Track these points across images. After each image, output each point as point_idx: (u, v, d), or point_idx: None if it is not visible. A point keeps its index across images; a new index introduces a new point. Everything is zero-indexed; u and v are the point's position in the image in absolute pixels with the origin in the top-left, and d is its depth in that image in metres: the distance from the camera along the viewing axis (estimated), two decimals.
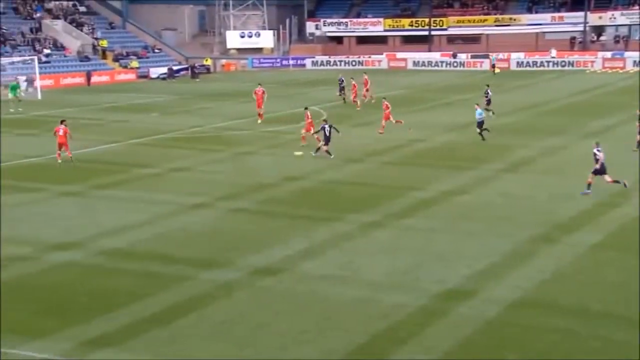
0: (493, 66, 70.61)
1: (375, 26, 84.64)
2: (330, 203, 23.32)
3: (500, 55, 75.17)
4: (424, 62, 77.63)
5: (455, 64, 76.44)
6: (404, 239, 19.70)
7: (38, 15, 69.87)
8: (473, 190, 24.55)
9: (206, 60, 75.72)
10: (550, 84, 59.71)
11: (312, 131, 31.81)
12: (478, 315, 14.53)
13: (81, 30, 70.42)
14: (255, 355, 13.11)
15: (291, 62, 79.42)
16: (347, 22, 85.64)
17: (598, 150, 23.25)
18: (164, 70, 69.04)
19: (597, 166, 23.08)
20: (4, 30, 64.17)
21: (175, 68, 70.53)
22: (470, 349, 13.27)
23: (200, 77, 68.83)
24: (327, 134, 29.60)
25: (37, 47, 64.10)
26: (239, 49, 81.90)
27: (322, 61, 79.30)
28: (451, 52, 78.89)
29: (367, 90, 47.42)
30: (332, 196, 24.30)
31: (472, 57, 76.23)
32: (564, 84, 58.70)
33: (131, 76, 67.42)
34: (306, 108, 33.25)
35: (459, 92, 53.41)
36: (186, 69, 72.12)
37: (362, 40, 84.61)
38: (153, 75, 68.24)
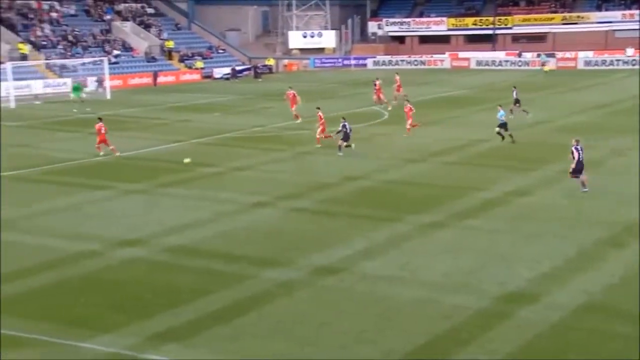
0: (543, 64, 69.98)
1: (438, 25, 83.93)
2: (390, 203, 23.26)
3: (567, 54, 73.54)
4: (487, 61, 76.59)
5: (520, 63, 75.15)
6: (465, 239, 19.51)
7: (108, 17, 71.72)
8: (537, 191, 24.14)
9: (268, 60, 76.38)
10: (622, 83, 58.11)
11: (325, 132, 32.07)
12: (541, 319, 14.30)
13: (149, 32, 71.97)
14: (315, 354, 13.20)
15: (352, 62, 79.42)
16: (409, 21, 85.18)
17: (576, 148, 23.16)
18: (228, 70, 69.93)
19: (573, 165, 23.13)
20: (76, 32, 66.07)
21: (238, 68, 71.36)
22: (533, 353, 13.08)
23: (263, 77, 69.46)
24: (348, 131, 30.18)
25: (107, 48, 65.80)
26: (301, 49, 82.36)
27: (383, 61, 79.06)
28: (517, 51, 77.55)
29: (398, 89, 47.10)
30: (392, 196, 24.23)
31: (538, 55, 74.77)
32: (635, 83, 57.07)
33: (196, 76, 68.52)
34: (318, 108, 33.30)
35: (523, 92, 52.44)
36: (249, 69, 72.89)
37: (425, 39, 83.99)
38: (217, 76, 69.20)
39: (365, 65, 78.54)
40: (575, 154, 23.15)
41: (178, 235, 19.98)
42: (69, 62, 59.53)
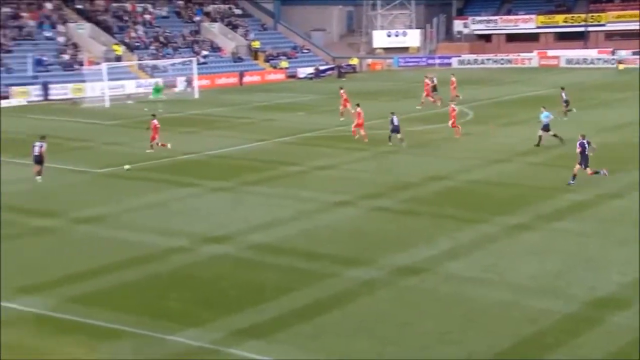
0: (619, 62, 67.84)
1: (526, 23, 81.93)
2: (475, 203, 22.93)
3: None
4: (578, 59, 74.29)
5: (613, 62, 72.57)
6: (552, 242, 19.05)
7: (198, 18, 73.43)
8: (628, 194, 23.31)
9: (352, 60, 76.47)
10: None
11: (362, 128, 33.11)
12: (634, 325, 13.81)
13: (236, 32, 73.27)
14: (398, 353, 13.15)
15: (437, 61, 78.58)
16: (497, 19, 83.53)
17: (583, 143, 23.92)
18: (311, 70, 70.40)
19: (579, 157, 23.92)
20: (167, 34, 67.96)
21: (321, 68, 71.73)
22: None
23: (346, 77, 69.57)
24: (396, 123, 31.55)
25: (196, 48, 67.37)
26: (385, 49, 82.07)
27: (469, 60, 77.89)
28: (610, 49, 74.86)
29: (453, 90, 46.13)
30: (477, 196, 23.88)
31: (635, 53, 71.95)
32: None
33: (280, 76, 69.28)
34: (357, 105, 34.50)
35: (615, 91, 50.79)
36: (332, 68, 73.15)
37: (512, 37, 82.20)
38: (301, 75, 69.77)
39: (449, 64, 77.56)
40: (579, 148, 23.94)
41: (262, 233, 20.27)
42: (160, 62, 61.26)
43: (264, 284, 16.47)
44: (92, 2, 67.76)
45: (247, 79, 65.75)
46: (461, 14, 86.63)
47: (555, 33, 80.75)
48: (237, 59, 69.36)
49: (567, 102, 39.10)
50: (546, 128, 31.15)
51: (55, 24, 61.86)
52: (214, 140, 34.95)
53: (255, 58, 71.69)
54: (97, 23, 64.66)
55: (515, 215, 21.36)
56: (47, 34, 60.44)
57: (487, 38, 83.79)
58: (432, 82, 46.52)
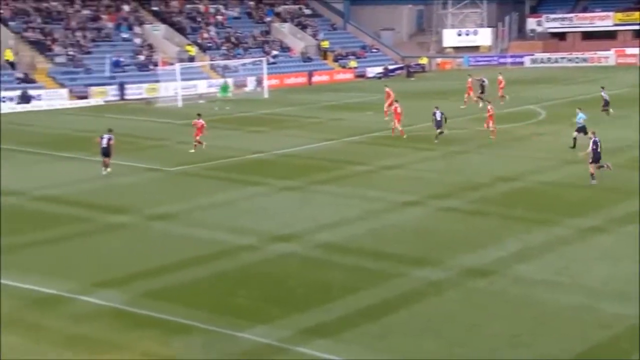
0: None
1: (603, 20, 79.57)
2: (546, 205, 22.50)
3: None
4: None
5: None
6: (626, 246, 18.55)
7: (268, 19, 74.25)
8: None
9: (422, 59, 75.92)
10: None
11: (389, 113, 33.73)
12: None
13: (305, 32, 73.74)
14: (465, 355, 13.06)
15: (509, 60, 77.24)
16: (572, 17, 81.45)
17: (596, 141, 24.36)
18: (380, 69, 70.22)
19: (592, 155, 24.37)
20: (238, 34, 68.97)
21: (390, 67, 71.46)
22: None
23: (415, 76, 69.14)
24: (439, 118, 32.04)
25: (266, 49, 68.14)
26: (455, 47, 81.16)
27: (542, 58, 76.28)
28: None
29: (501, 89, 45.05)
30: (548, 198, 23.43)
31: None
32: None
33: (349, 75, 69.34)
34: (397, 101, 35.32)
35: None
36: (401, 68, 72.80)
37: (588, 35, 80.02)
38: (369, 75, 69.68)
39: (522, 63, 76.14)
40: (592, 146, 24.35)
41: (329, 232, 20.38)
42: (230, 62, 62.19)
43: (331, 283, 16.56)
44: (167, 4, 69.31)
45: (315, 78, 66.08)
46: (535, 11, 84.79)
47: (635, 31, 78.20)
48: (306, 58, 69.79)
49: (607, 102, 37.97)
50: (582, 129, 30.12)
51: (132, 26, 63.56)
52: (283, 140, 35.29)
53: (324, 58, 71.97)
54: (172, 24, 66.12)
55: (588, 217, 20.89)
56: (124, 35, 62.15)
57: (561, 36, 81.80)
58: (483, 82, 45.66)
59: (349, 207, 22.91)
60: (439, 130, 32.20)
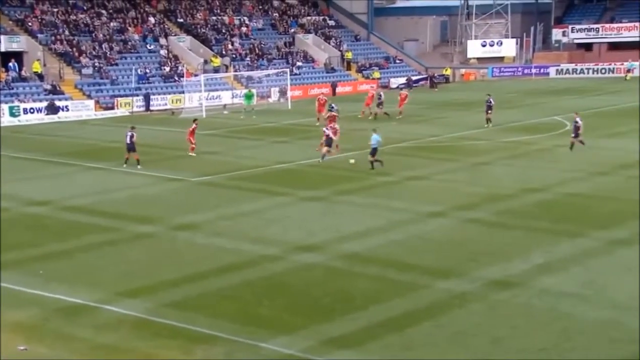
0: (628, 71, 67.26)
1: (630, 31, 78.82)
2: (573, 217, 22.27)
3: None
4: None
5: None
6: None
7: (292, 30, 74.53)
8: None
9: (445, 70, 75.74)
10: None
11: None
12: None
13: (328, 43, 73.91)
14: None
15: (533, 70, 76.80)
16: (598, 27, 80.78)
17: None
18: (404, 80, 70.15)
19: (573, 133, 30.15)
20: (262, 45, 69.30)
21: (414, 78, 71.36)
22: None
23: (439, 87, 68.95)
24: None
25: (290, 60, 68.37)
26: (479, 58, 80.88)
27: (567, 69, 75.73)
28: None
29: (401, 104, 44.81)
30: (575, 210, 23.19)
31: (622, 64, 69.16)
32: None
33: (372, 86, 69.31)
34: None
35: None
36: (425, 78, 72.66)
37: (614, 46, 79.30)
38: (393, 86, 69.62)
39: (547, 74, 75.65)
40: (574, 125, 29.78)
41: (353, 242, 20.32)
42: (254, 74, 62.46)
43: (355, 294, 16.49)
44: (193, 16, 69.86)
45: (339, 89, 66.15)
46: (560, 22, 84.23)
47: None
48: (330, 69, 69.92)
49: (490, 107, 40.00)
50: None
51: (157, 38, 64.16)
52: (307, 150, 35.30)
53: (348, 68, 72.04)
54: (196, 36, 66.64)
55: (615, 230, 20.63)
56: (150, 47, 62.75)
57: (587, 47, 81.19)
58: (379, 96, 45.52)
59: (373, 218, 22.84)
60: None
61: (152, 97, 55.65)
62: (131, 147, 30.95)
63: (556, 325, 14.57)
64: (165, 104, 55.87)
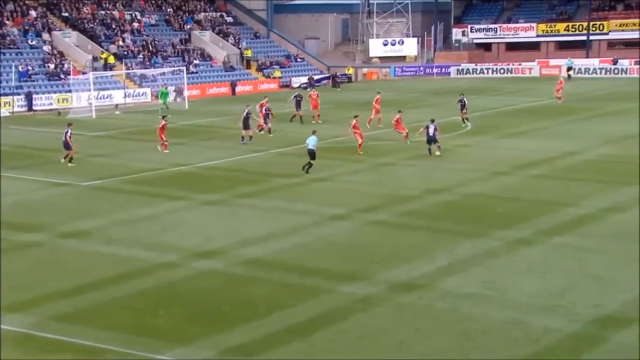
0: (569, 69, 69.39)
1: (527, 32, 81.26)
2: (474, 217, 22.40)
3: None
4: (580, 69, 73.54)
5: (616, 71, 72.01)
6: (554, 258, 18.55)
7: (188, 26, 72.75)
8: (632, 208, 22.78)
9: (348, 69, 76.02)
10: None
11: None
12: (638, 345, 13.30)
13: (227, 41, 72.65)
14: None
15: (435, 70, 78.22)
16: (496, 27, 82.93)
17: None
18: (305, 79, 69.90)
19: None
20: (156, 42, 67.26)
21: (316, 77, 71.17)
22: None
23: (341, 87, 69.09)
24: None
25: (186, 58, 66.71)
26: (381, 58, 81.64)
27: (467, 69, 77.46)
28: (611, 58, 74.30)
29: (313, 108, 45.17)
30: (476, 210, 23.35)
31: (636, 63, 71.58)
32: None
33: (273, 85, 68.71)
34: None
35: (618, 102, 50.35)
36: (327, 78, 72.67)
37: (512, 46, 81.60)
38: (294, 85, 69.22)
39: (448, 73, 77.17)
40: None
41: (255, 247, 19.72)
42: (148, 72, 60.50)
43: (257, 300, 15.96)
44: (79, 10, 66.97)
45: (239, 88, 65.19)
46: (459, 22, 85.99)
47: (557, 42, 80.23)
48: (228, 68, 68.77)
49: (464, 105, 40.23)
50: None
51: (40, 32, 61.09)
52: (206, 152, 34.36)
53: (248, 67, 71.14)
54: (83, 31, 63.91)
55: (515, 229, 20.86)
56: (32, 42, 59.64)
57: (486, 47, 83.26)
58: (298, 97, 44.50)
59: (275, 221, 22.27)
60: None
61: (34, 96, 52.75)
62: (67, 146, 30.97)
63: (459, 326, 14.49)
64: (51, 104, 52.99)
